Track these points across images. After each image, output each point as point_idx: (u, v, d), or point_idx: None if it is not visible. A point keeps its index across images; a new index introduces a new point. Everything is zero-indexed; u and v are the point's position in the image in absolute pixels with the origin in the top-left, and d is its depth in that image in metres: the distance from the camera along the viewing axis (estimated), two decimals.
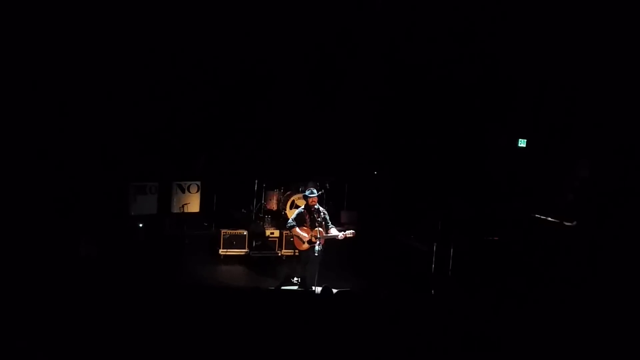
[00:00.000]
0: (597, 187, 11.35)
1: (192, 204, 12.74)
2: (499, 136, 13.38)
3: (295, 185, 13.17)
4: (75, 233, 10.97)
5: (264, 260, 11.75)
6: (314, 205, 9.83)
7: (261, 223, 12.62)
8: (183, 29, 12.53)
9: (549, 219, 11.19)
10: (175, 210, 12.58)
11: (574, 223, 10.93)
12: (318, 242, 9.55)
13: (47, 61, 11.16)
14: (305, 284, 9.77)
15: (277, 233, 11.98)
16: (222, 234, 11.68)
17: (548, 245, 10.91)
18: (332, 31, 13.43)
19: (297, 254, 10.27)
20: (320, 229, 9.64)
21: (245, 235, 11.77)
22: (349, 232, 9.77)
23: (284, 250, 11.89)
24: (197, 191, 12.74)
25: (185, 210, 12.62)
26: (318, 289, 9.26)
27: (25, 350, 5.42)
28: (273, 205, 13.30)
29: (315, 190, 9.96)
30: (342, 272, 10.67)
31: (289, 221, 10.05)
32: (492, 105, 13.27)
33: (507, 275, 10.44)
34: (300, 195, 12.51)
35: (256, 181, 13.21)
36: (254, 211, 13.22)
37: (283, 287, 10.13)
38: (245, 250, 11.77)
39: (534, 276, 10.35)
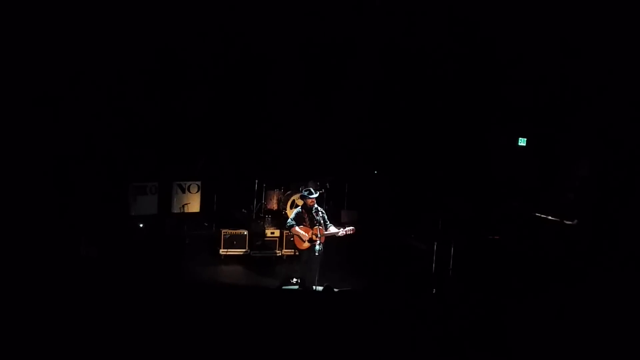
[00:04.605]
0: (597, 186, 11.36)
1: (193, 204, 12.74)
2: (499, 135, 13.38)
3: (296, 185, 13.16)
4: (75, 233, 10.98)
5: (265, 260, 11.75)
6: (313, 205, 9.85)
7: (261, 223, 12.63)
8: (182, 28, 12.54)
9: (550, 217, 11.20)
10: (176, 210, 12.58)
11: (575, 222, 10.94)
12: (318, 241, 9.56)
13: (46, 62, 11.16)
14: (305, 284, 9.78)
15: (277, 233, 11.98)
16: (222, 233, 11.68)
17: (548, 244, 10.92)
18: (330, 30, 13.44)
19: (297, 253, 10.28)
20: (319, 227, 9.66)
21: (246, 235, 11.77)
22: (349, 229, 9.80)
23: (284, 250, 11.89)
24: (198, 191, 12.74)
25: (186, 210, 12.61)
26: (319, 289, 9.27)
27: (26, 350, 5.42)
28: (273, 205, 13.30)
29: (313, 191, 9.96)
30: (342, 272, 10.67)
31: (288, 220, 10.06)
32: (492, 104, 13.28)
33: (507, 274, 10.44)
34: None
35: (256, 181, 13.21)
36: (255, 211, 13.22)
37: (283, 287, 10.14)
38: (246, 250, 11.77)
39: (535, 275, 10.36)
